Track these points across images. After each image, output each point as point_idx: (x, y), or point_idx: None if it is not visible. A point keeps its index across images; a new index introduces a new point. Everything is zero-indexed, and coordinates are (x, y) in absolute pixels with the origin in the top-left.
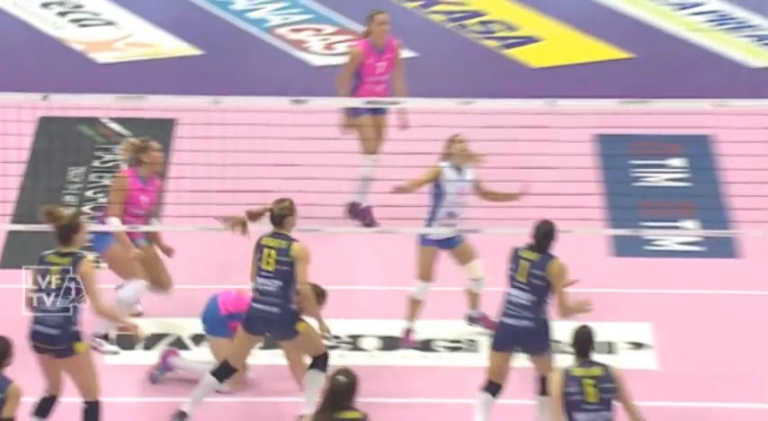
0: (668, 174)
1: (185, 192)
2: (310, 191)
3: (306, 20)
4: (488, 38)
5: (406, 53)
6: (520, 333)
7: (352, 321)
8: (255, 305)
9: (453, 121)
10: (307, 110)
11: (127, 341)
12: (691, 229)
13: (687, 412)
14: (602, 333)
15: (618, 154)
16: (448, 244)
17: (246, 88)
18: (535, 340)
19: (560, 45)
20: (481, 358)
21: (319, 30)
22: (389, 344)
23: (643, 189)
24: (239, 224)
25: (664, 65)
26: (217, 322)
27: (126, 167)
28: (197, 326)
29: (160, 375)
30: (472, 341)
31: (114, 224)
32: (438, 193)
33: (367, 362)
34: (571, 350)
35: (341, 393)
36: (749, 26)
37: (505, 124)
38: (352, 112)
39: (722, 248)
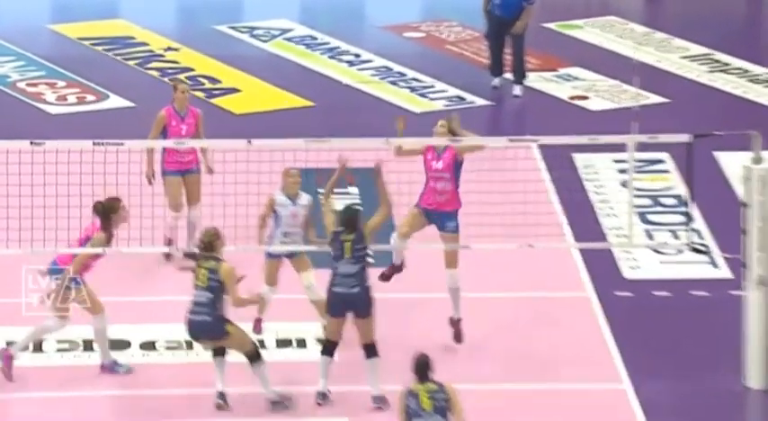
0: (347, 199)
1: None
2: (52, 217)
3: (40, 76)
4: (196, 89)
5: (126, 103)
6: (350, 299)
7: None
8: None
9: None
10: (43, 151)
11: None
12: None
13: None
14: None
15: (306, 183)
16: (288, 256)
17: None
18: (364, 304)
19: (256, 95)
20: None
21: (53, 84)
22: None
23: None
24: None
25: (339, 110)
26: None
27: None
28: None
29: (9, 369)
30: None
31: None
32: (275, 217)
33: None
34: (413, 374)
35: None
36: (411, 79)
37: (216, 160)
38: (162, 172)
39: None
